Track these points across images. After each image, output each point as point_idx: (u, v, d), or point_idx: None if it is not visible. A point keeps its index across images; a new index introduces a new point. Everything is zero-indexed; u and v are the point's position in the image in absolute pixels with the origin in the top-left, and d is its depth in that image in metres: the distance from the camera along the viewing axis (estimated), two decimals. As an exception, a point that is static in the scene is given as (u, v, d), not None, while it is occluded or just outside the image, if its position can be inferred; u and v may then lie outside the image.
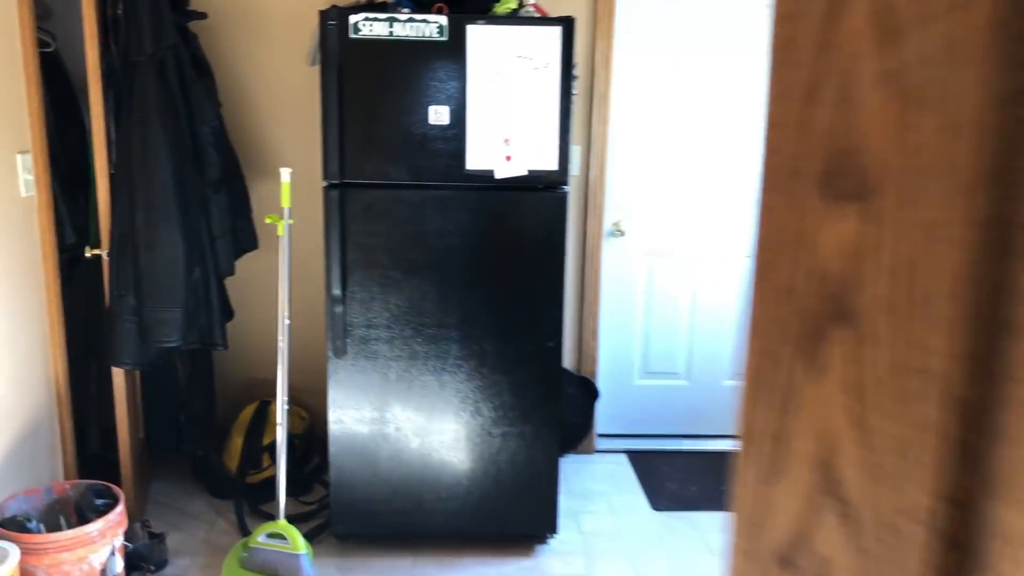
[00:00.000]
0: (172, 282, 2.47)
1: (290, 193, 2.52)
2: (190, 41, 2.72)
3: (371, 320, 2.58)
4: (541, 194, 2.55)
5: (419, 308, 2.58)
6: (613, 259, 3.44)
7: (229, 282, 3.02)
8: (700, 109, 3.33)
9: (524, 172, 2.52)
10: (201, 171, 2.62)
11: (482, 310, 2.59)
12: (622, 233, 3.39)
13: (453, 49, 2.43)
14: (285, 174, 2.50)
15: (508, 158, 2.51)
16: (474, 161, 2.50)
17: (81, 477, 2.75)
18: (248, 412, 3.19)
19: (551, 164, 2.53)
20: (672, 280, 3.47)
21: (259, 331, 3.39)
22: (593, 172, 3.28)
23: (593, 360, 3.42)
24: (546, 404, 2.66)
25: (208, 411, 3.04)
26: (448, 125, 2.47)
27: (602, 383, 3.51)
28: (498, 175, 2.51)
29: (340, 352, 2.60)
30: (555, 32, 2.45)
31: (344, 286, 2.55)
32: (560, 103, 2.49)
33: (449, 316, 2.59)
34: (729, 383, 3.58)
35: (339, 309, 2.56)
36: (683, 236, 3.44)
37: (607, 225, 3.39)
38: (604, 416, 3.56)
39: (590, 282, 3.33)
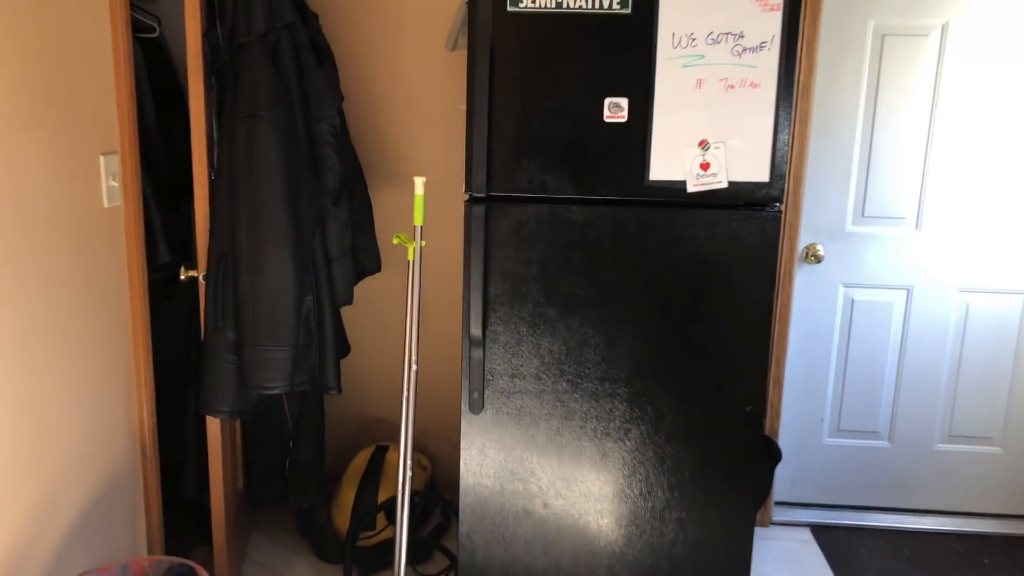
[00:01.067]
0: (279, 314, 2.00)
1: (423, 208, 2.01)
2: (310, 21, 2.25)
3: (517, 369, 2.04)
4: (746, 213, 1.95)
5: (578, 356, 2.02)
6: (804, 291, 2.78)
7: (343, 310, 2.55)
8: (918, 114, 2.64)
9: (724, 184, 1.92)
10: (318, 178, 2.15)
11: (660, 361, 2.01)
12: (818, 260, 2.73)
13: (639, 23, 1.86)
14: (419, 184, 1.99)
15: (705, 166, 1.91)
16: (660, 170, 1.92)
17: (172, 528, 2.33)
18: (361, 460, 2.71)
19: (761, 175, 1.92)
20: (874, 318, 2.79)
21: (375, 365, 2.91)
22: (787, 182, 2.63)
23: (776, 414, 2.77)
24: (738, 486, 2.05)
25: (316, 457, 2.58)
26: (627, 122, 1.90)
27: (783, 441, 2.86)
28: (691, 188, 1.92)
29: (477, 407, 2.07)
30: (775, 2, 1.84)
31: (485, 325, 2.02)
32: (777, 97, 1.88)
33: (616, 368, 2.02)
34: (943, 446, 2.86)
35: (478, 354, 2.03)
36: (891, 265, 2.75)
37: (800, 248, 2.74)
38: (783, 481, 2.91)
39: (778, 318, 2.68)
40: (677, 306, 1.98)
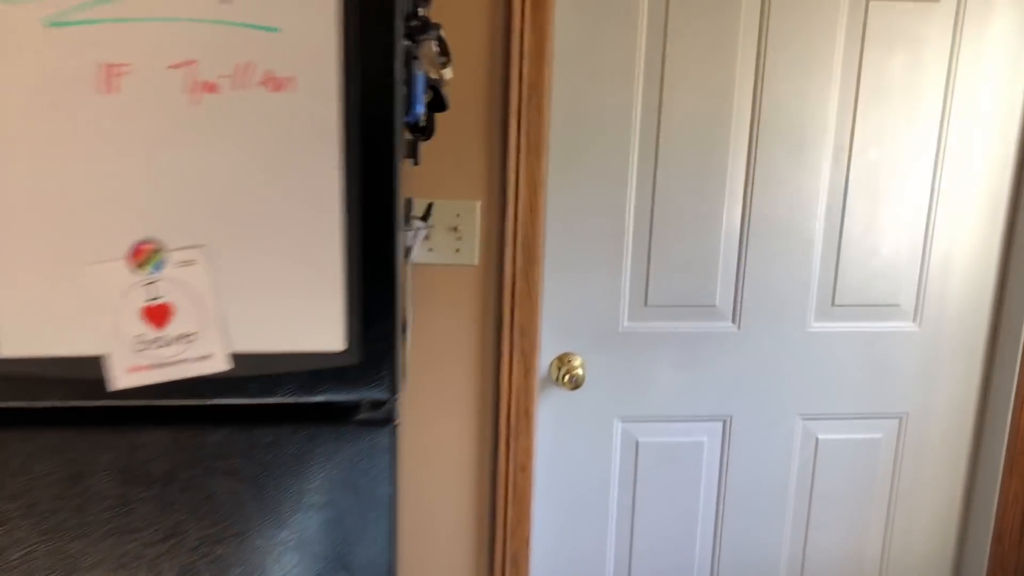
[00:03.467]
0: None
1: None
2: None
3: None
4: (309, 431, 0.79)
5: None
6: (553, 434, 1.67)
7: None
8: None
9: (220, 365, 0.75)
10: None
11: None
12: (575, 384, 1.63)
13: None
14: None
15: (157, 315, 0.74)
16: (15, 342, 0.73)
17: None
18: None
19: (332, 335, 0.76)
20: (673, 467, 1.72)
21: None
22: (511, 253, 1.51)
23: (517, 640, 1.65)
24: None
25: None
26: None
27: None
28: (121, 381, 0.74)
29: None
30: None
31: None
32: (387, 107, 0.72)
33: None
34: (787, 645, 1.83)
35: None
36: (698, 382, 1.68)
37: (543, 367, 1.63)
38: None
39: (512, 498, 1.56)
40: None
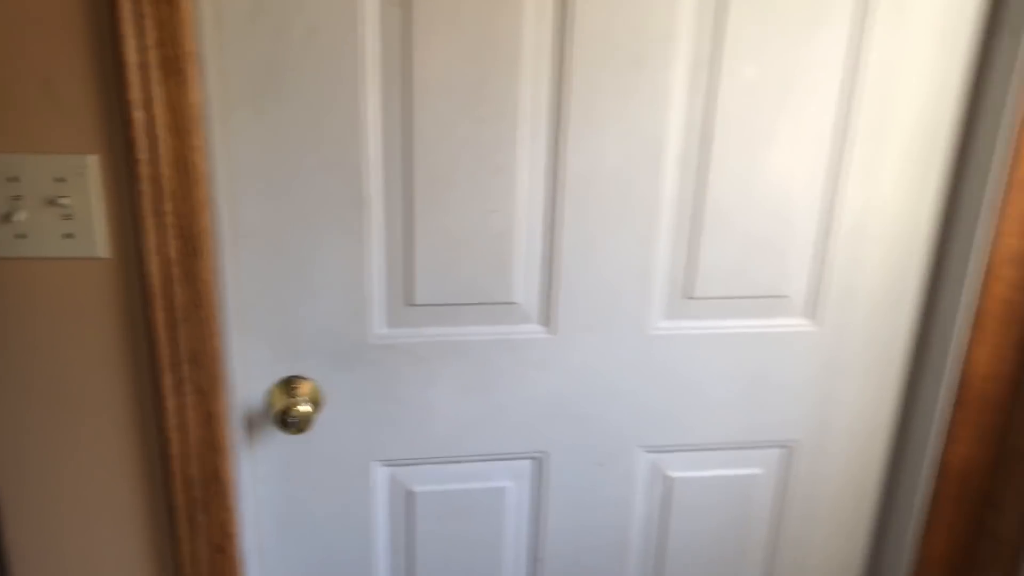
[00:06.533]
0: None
1: None
2: None
3: None
4: None
5: None
6: (278, 486, 1.15)
7: None
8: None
9: None
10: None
11: None
12: (298, 428, 1.09)
13: None
14: None
15: None
16: None
17: None
18: None
19: None
20: (456, 525, 1.22)
21: None
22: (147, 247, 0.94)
23: None
24: None
25: None
26: None
27: None
28: None
29: None
30: None
31: None
32: None
33: None
34: None
35: None
36: (490, 409, 1.16)
37: (250, 403, 1.09)
38: None
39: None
40: None
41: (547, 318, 1.12)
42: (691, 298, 1.15)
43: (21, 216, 0.90)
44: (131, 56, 0.85)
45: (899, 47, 1.06)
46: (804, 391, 1.22)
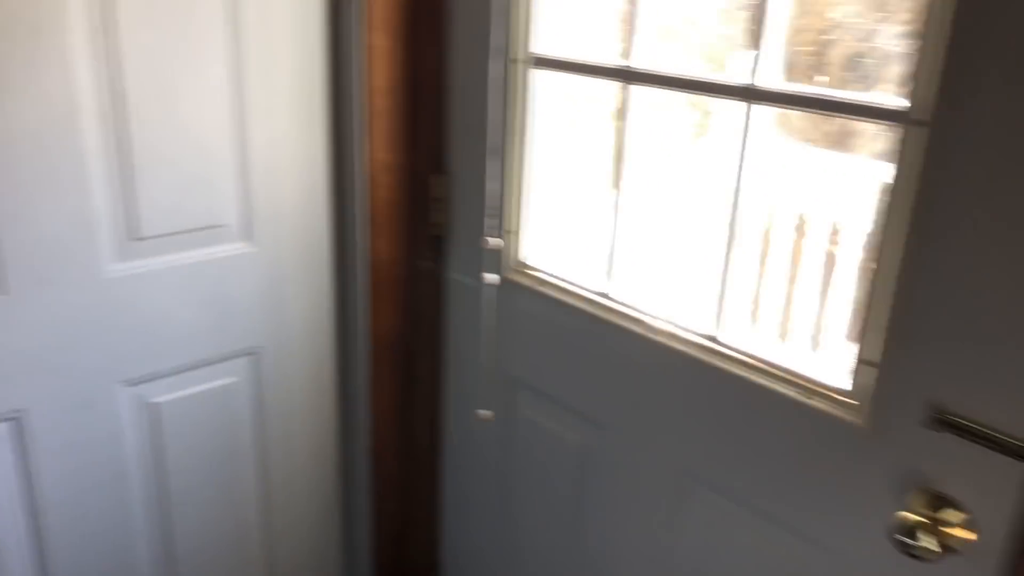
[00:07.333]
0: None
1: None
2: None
3: None
4: None
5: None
6: None
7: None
8: None
9: None
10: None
11: None
12: None
13: None
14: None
15: None
16: None
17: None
18: None
19: None
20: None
21: None
22: None
23: None
24: None
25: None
26: None
27: None
28: None
29: None
30: None
31: None
32: None
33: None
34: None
35: None
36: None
37: None
38: None
39: None
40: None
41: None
42: (140, 239, 1.29)
43: None
44: None
45: (268, 4, 1.32)
46: (256, 304, 1.46)
